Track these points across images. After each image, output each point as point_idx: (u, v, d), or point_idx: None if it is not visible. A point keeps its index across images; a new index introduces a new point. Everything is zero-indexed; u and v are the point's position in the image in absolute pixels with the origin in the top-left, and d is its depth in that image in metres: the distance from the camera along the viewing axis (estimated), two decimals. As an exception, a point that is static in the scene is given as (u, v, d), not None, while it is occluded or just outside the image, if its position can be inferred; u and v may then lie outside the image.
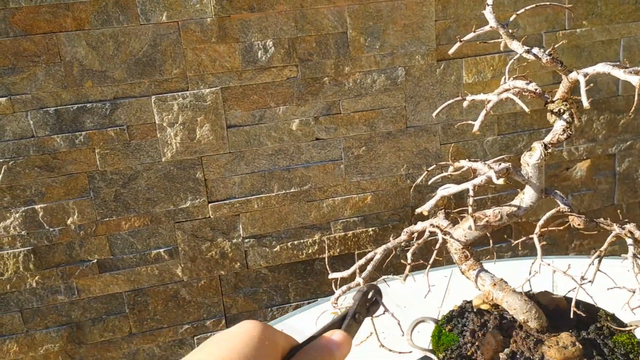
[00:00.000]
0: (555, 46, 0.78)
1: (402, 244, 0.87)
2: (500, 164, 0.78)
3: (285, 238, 1.66)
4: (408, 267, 0.84)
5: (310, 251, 1.68)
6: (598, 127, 1.80)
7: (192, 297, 1.64)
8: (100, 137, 1.47)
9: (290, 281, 1.70)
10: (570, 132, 0.77)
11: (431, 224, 0.88)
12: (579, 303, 0.87)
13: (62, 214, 1.50)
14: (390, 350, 0.76)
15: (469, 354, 0.83)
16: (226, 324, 1.69)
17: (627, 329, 0.78)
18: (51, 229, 1.50)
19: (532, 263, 0.91)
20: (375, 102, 1.61)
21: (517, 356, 0.78)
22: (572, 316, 0.75)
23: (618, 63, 0.68)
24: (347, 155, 1.63)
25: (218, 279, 1.65)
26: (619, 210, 1.87)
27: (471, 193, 0.74)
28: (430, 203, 0.78)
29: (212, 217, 1.59)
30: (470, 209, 0.74)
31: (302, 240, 1.67)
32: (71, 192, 1.50)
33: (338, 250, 1.70)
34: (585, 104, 0.68)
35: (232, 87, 1.52)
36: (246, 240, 1.63)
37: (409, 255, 0.84)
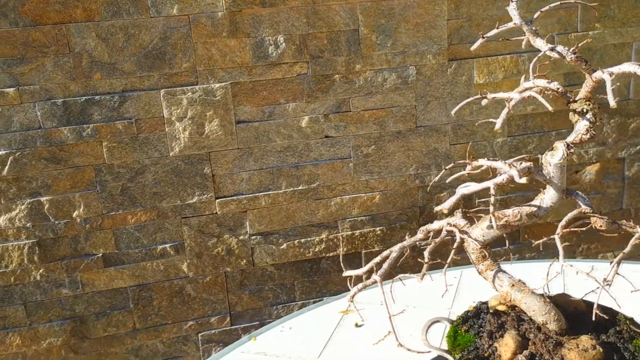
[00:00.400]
0: (579, 45, 0.77)
1: (417, 242, 0.86)
2: (521, 163, 0.76)
3: (292, 236, 1.64)
4: (425, 265, 0.83)
5: (317, 249, 1.67)
6: (608, 131, 1.79)
7: (197, 293, 1.63)
8: (108, 130, 1.46)
9: (297, 279, 1.69)
10: (594, 133, 0.76)
11: (448, 223, 0.86)
12: (598, 306, 0.85)
13: (68, 207, 1.49)
14: (409, 350, 0.75)
15: (486, 355, 0.81)
16: (231, 321, 1.67)
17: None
18: (56, 222, 1.49)
19: (550, 265, 0.90)
20: (385, 100, 1.60)
21: (537, 358, 0.77)
22: (594, 318, 0.74)
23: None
24: (356, 154, 1.62)
25: (224, 275, 1.63)
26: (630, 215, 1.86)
27: (492, 192, 0.73)
28: (451, 201, 0.77)
29: (219, 213, 1.58)
30: (492, 208, 0.72)
31: (309, 239, 1.65)
32: (77, 185, 1.48)
33: (345, 249, 1.68)
34: (612, 103, 0.67)
35: (242, 82, 1.50)
36: (253, 238, 1.62)
37: (426, 253, 0.82)
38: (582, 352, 0.76)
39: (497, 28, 0.75)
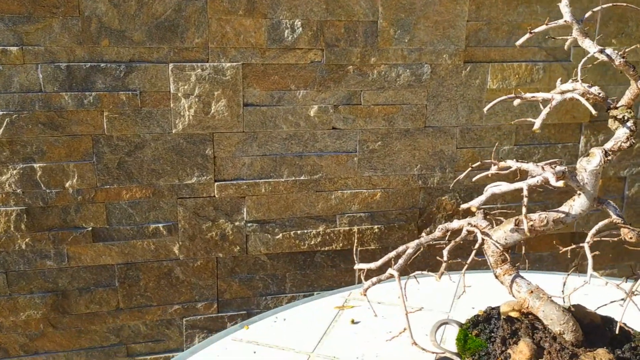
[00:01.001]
0: (627, 50, 0.75)
1: (434, 240, 0.83)
2: (555, 166, 0.74)
3: (289, 226, 1.60)
4: (444, 264, 0.80)
5: (312, 242, 1.63)
6: (613, 149, 1.78)
7: (186, 277, 1.58)
8: (110, 100, 1.41)
9: (289, 271, 1.65)
10: (633, 141, 0.73)
11: (469, 223, 0.84)
12: (613, 321, 0.83)
13: (61, 176, 1.43)
14: (423, 350, 0.72)
15: (497, 361, 0.79)
16: (218, 308, 1.63)
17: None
18: (48, 190, 1.43)
19: (568, 274, 0.87)
20: (397, 97, 1.57)
21: (552, 369, 0.74)
22: (617, 332, 0.72)
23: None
24: (362, 149, 1.59)
25: (215, 261, 1.59)
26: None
27: (525, 193, 0.70)
28: (480, 199, 0.74)
29: (216, 196, 1.53)
30: (524, 210, 0.70)
31: (305, 231, 1.62)
32: (73, 154, 1.43)
33: (341, 244, 1.65)
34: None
35: (253, 64, 1.46)
36: (249, 225, 1.58)
37: (445, 252, 0.79)
38: (600, 366, 0.74)
39: (546, 24, 0.72)
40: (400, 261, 0.80)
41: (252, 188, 1.55)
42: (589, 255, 0.71)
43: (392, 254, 0.81)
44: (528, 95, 0.75)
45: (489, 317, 0.87)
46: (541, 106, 0.78)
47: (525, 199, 0.68)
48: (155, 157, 1.47)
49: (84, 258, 1.50)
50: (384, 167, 1.62)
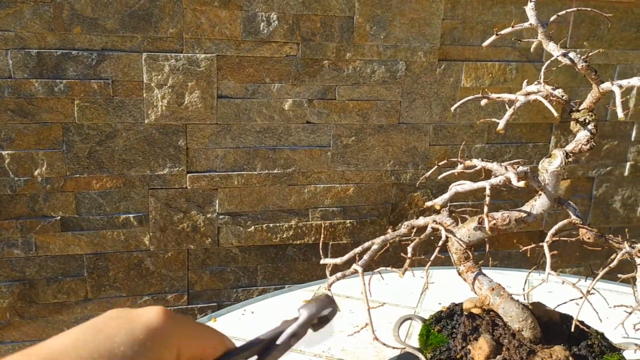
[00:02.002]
0: (590, 54, 0.76)
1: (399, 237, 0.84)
2: (518, 166, 0.75)
3: (261, 219, 1.61)
4: (408, 261, 0.81)
5: (285, 236, 1.63)
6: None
7: (156, 268, 1.57)
8: (81, 88, 1.39)
9: (260, 264, 1.65)
10: (594, 144, 0.75)
11: (434, 220, 0.85)
12: (571, 318, 0.85)
13: (30, 164, 1.41)
14: (384, 345, 0.73)
15: (458, 356, 0.80)
16: (188, 300, 1.63)
17: (621, 349, 0.77)
18: (16, 178, 1.41)
19: (529, 272, 0.89)
20: (371, 93, 1.57)
21: (509, 365, 0.76)
22: (573, 330, 0.74)
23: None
24: (336, 143, 1.59)
25: (186, 252, 1.59)
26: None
27: (488, 192, 0.71)
28: (444, 197, 0.75)
29: (189, 188, 1.53)
30: (486, 209, 0.71)
31: (278, 224, 1.62)
32: (42, 142, 1.41)
33: (313, 238, 1.66)
34: (621, 114, 0.66)
35: (228, 56, 1.45)
36: (221, 217, 1.58)
37: (409, 249, 0.80)
38: (555, 363, 0.75)
39: (512, 27, 0.73)
40: (366, 257, 0.81)
41: (225, 180, 1.54)
42: (548, 255, 0.72)
43: (358, 249, 0.82)
44: (494, 95, 0.76)
45: (452, 313, 0.89)
46: (507, 107, 0.80)
47: (487, 198, 0.69)
48: (127, 147, 1.46)
49: (52, 247, 1.48)
50: (357, 162, 1.63)
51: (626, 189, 1.89)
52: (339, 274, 0.82)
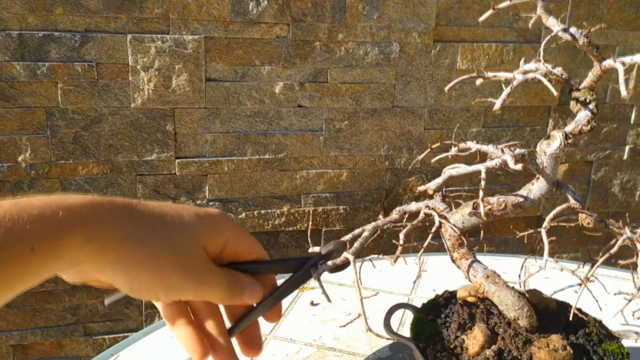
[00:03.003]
0: (592, 30, 0.72)
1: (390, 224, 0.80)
2: (515, 148, 0.72)
3: (253, 206, 1.57)
4: (400, 248, 0.77)
5: (277, 222, 1.60)
6: (580, 133, 1.78)
7: (145, 256, 1.54)
8: (65, 71, 1.35)
9: (252, 251, 1.62)
10: (594, 124, 0.71)
11: (427, 206, 0.81)
12: (568, 306, 0.82)
13: (13, 149, 1.37)
14: (377, 335, 0.70)
15: (452, 346, 0.77)
16: (178, 288, 1.60)
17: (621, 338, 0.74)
18: (-1, 165, 1.37)
19: (526, 258, 0.86)
20: (364, 75, 1.53)
21: (505, 354, 0.73)
22: (570, 318, 0.71)
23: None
24: (328, 128, 1.55)
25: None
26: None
27: (483, 175, 0.68)
28: (437, 181, 0.72)
29: (177, 174, 1.49)
30: (481, 193, 0.67)
31: (269, 210, 1.59)
32: (26, 127, 1.37)
33: (305, 224, 1.63)
34: (624, 93, 0.63)
35: (216, 37, 1.41)
36: (211, 203, 1.54)
37: (401, 235, 0.77)
38: (552, 352, 0.73)
39: (510, 0, 0.69)
40: (357, 245, 0.77)
41: (215, 166, 1.51)
42: (546, 241, 0.69)
43: (348, 236, 0.79)
44: (490, 74, 0.73)
45: (446, 301, 0.86)
46: (503, 87, 0.76)
47: (483, 182, 0.66)
48: (113, 132, 1.42)
49: (38, 235, 1.45)
50: (351, 147, 1.59)
51: (625, 172, 1.86)
52: (329, 263, 0.79)
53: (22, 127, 1.36)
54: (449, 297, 0.86)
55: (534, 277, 1.11)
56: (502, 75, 0.72)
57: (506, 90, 0.69)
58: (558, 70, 0.72)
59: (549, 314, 0.81)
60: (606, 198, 1.88)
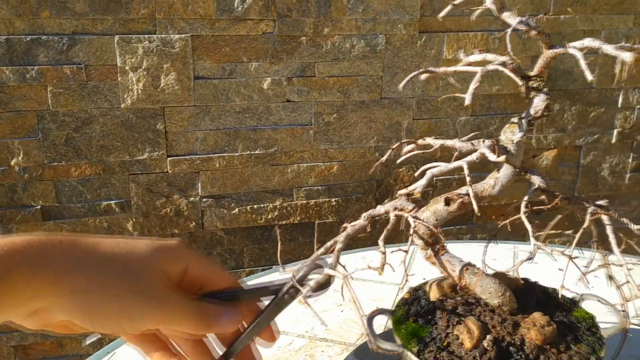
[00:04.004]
0: (544, 15, 0.73)
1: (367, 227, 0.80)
2: (484, 140, 0.73)
3: (245, 201, 1.59)
4: (383, 256, 0.76)
5: (270, 217, 1.62)
6: (568, 118, 1.79)
7: (141, 253, 1.56)
8: (54, 74, 1.36)
9: (246, 246, 1.64)
10: (550, 108, 0.73)
11: (395, 208, 0.81)
12: (535, 284, 0.83)
13: (6, 154, 1.39)
14: (379, 348, 0.71)
15: (444, 344, 0.77)
16: (175, 284, 1.62)
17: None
18: (-8, 169, 1.39)
19: (486, 244, 0.87)
20: (352, 68, 1.54)
21: (500, 342, 0.74)
22: (560, 297, 0.73)
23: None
24: (318, 121, 1.57)
25: (171, 237, 1.57)
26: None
27: (466, 171, 0.69)
28: (421, 183, 0.72)
29: (170, 172, 1.51)
30: (470, 190, 0.69)
31: (262, 205, 1.60)
32: (17, 131, 1.38)
33: (298, 218, 1.65)
34: (590, 77, 0.64)
35: (203, 35, 1.42)
36: (204, 200, 1.56)
37: (380, 242, 0.75)
38: (540, 329, 0.74)
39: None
40: (332, 260, 0.73)
41: (206, 163, 1.52)
42: (528, 226, 0.70)
43: (321, 250, 0.77)
44: (441, 69, 0.72)
45: (417, 298, 0.84)
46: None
47: (468, 178, 0.67)
48: (105, 133, 1.43)
49: (35, 237, 1.47)
50: (341, 139, 1.60)
51: (614, 156, 1.88)
52: (311, 283, 0.76)
53: (13, 131, 1.37)
54: (419, 294, 0.84)
55: (494, 258, 1.12)
56: (443, 70, 0.72)
57: (472, 85, 0.71)
58: (506, 59, 0.73)
59: (520, 294, 0.82)
60: (596, 182, 1.90)
